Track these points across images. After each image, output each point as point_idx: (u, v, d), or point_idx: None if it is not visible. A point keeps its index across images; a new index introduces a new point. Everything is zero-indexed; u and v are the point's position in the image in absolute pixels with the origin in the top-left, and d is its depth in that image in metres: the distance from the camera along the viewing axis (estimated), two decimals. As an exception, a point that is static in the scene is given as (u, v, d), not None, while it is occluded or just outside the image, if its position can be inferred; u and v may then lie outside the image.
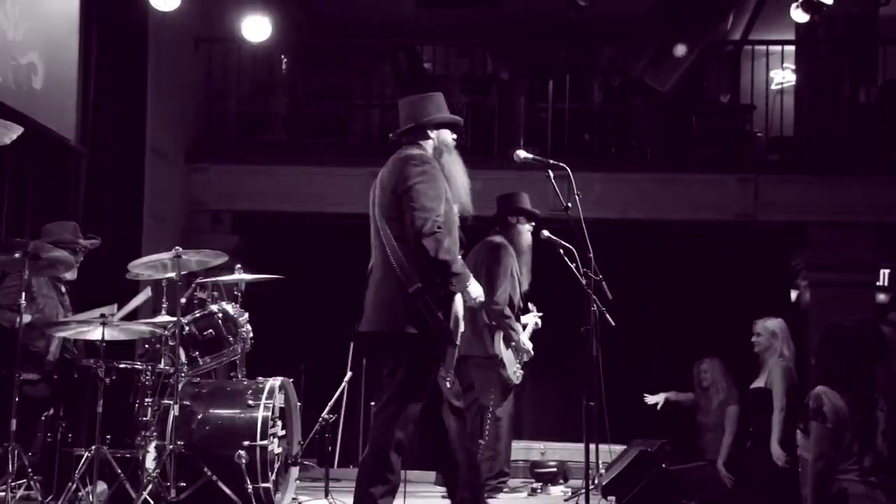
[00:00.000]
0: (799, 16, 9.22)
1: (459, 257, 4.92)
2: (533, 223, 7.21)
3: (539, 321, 7.49)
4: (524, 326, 7.30)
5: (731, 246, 10.40)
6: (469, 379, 7.14)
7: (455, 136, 5.21)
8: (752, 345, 7.35)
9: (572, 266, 5.57)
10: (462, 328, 4.97)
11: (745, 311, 9.45)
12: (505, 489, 7.24)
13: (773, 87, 11.12)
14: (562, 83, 10.65)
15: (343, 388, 7.11)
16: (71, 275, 6.23)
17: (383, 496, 4.75)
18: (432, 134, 5.11)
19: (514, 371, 7.10)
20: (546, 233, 5.85)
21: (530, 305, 7.50)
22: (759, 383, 7.16)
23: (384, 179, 4.96)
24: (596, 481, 6.21)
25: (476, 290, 4.96)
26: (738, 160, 10.38)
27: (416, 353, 4.81)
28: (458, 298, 4.89)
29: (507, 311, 7.01)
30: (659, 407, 8.56)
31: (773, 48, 10.89)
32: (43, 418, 5.76)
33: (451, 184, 5.00)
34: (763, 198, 10.06)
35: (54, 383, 5.80)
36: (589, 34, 11.27)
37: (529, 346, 7.19)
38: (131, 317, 6.42)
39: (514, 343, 7.04)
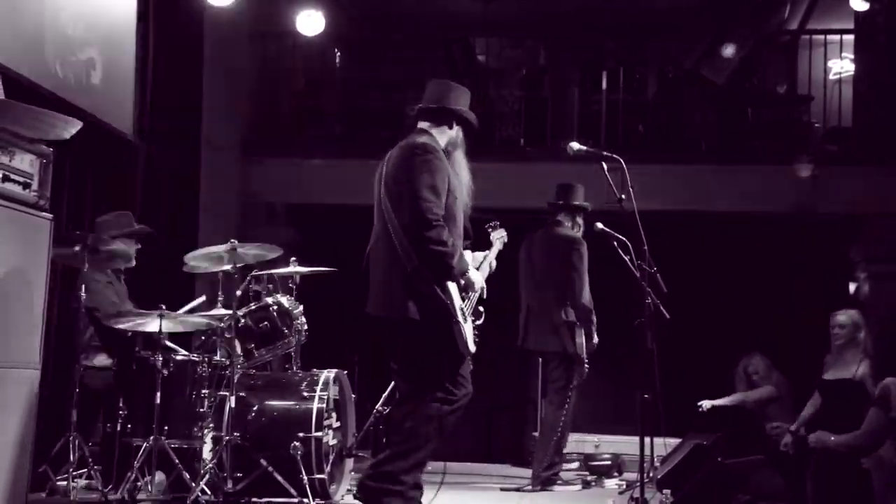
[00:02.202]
0: (858, 4, 9.08)
1: (458, 249, 4.80)
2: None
3: None
4: None
5: (788, 238, 10.29)
6: (546, 373, 7.24)
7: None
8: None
9: (626, 258, 5.55)
10: (460, 304, 4.75)
11: (803, 304, 9.36)
12: (558, 481, 7.24)
13: (832, 77, 10.95)
14: (615, 75, 10.59)
15: (397, 380, 7.12)
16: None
17: (408, 471, 4.68)
18: (455, 126, 5.03)
19: (586, 368, 7.14)
20: (600, 225, 5.81)
21: None
22: (843, 374, 6.99)
23: (391, 165, 4.87)
24: (651, 474, 6.19)
25: (477, 278, 4.89)
26: (796, 151, 10.24)
27: (422, 340, 4.72)
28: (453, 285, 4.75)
29: (592, 309, 7.04)
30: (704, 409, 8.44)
31: (831, 37, 10.73)
32: (103, 409, 5.86)
33: (458, 179, 4.93)
34: (821, 189, 9.92)
35: (114, 375, 5.89)
36: (642, 25, 11.19)
37: (596, 339, 7.23)
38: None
39: (592, 339, 7.09)
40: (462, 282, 4.79)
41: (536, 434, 7.30)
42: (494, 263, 5.24)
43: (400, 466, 4.71)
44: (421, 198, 4.67)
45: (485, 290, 5.00)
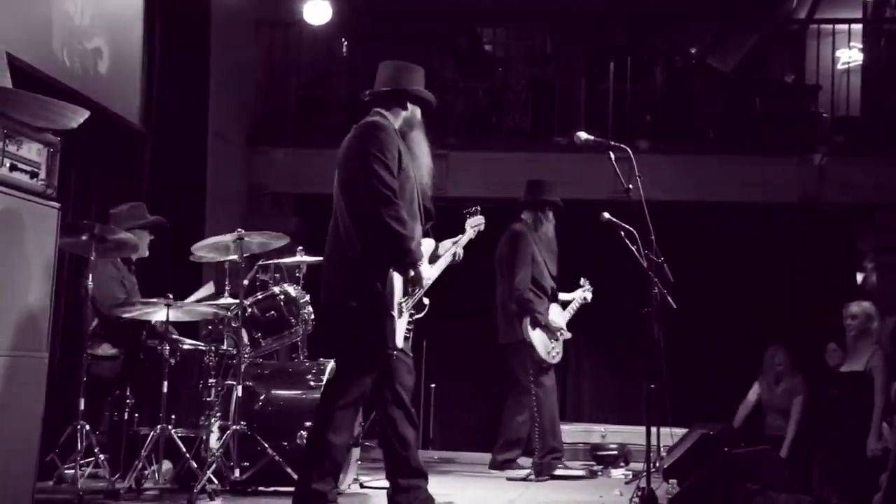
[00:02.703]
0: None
1: (416, 234, 4.74)
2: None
3: (589, 295, 7.51)
4: (564, 304, 7.38)
5: (795, 228, 10.26)
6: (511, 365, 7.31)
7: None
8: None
9: (633, 248, 5.54)
10: (400, 299, 4.65)
11: (811, 295, 9.32)
12: (560, 465, 7.25)
13: (840, 66, 10.90)
14: (623, 64, 10.56)
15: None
16: (142, 251, 6.32)
17: (319, 479, 4.60)
18: (409, 106, 4.93)
19: (549, 351, 7.15)
20: (606, 215, 5.80)
21: (582, 280, 7.57)
22: (854, 367, 6.97)
23: (343, 149, 4.80)
24: (657, 464, 6.19)
25: (427, 271, 4.75)
26: (803, 141, 10.21)
27: (353, 327, 4.63)
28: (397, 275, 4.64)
29: (528, 295, 7.10)
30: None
31: (839, 27, 10.69)
32: (110, 398, 5.87)
33: (415, 162, 4.84)
34: (828, 179, 9.90)
35: (121, 364, 5.90)
36: (649, 15, 11.16)
37: (560, 323, 7.25)
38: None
39: (542, 324, 7.11)
40: (411, 273, 4.65)
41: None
42: (461, 252, 5.13)
43: (315, 475, 4.63)
44: (372, 173, 4.56)
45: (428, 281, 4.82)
